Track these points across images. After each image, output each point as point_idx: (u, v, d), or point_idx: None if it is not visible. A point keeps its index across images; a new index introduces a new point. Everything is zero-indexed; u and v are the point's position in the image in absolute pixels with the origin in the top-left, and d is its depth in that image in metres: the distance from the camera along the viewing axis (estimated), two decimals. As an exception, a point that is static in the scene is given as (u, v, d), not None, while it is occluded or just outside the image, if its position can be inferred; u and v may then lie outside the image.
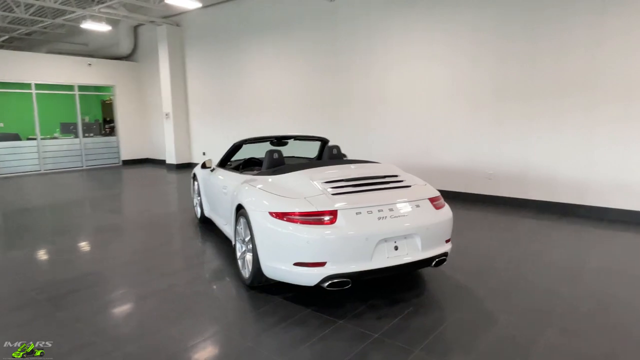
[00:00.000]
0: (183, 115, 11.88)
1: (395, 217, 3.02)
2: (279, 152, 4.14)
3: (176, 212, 6.41)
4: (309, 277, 2.91)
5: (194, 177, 5.74)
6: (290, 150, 5.42)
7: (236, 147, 4.75)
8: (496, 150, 6.44)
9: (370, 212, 2.98)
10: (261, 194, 3.32)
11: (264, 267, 3.17)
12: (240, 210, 3.56)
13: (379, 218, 2.97)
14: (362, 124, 8.02)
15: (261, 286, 3.40)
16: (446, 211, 3.31)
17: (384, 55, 7.55)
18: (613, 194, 5.54)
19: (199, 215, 5.63)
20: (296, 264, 2.94)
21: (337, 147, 4.60)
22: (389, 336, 2.69)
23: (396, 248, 3.00)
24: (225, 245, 4.57)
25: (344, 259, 2.88)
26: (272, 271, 3.13)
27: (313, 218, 2.91)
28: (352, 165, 3.78)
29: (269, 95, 9.70)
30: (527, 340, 2.61)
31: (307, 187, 3.21)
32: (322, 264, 2.88)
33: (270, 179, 3.55)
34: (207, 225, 5.49)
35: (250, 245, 3.46)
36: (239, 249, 3.73)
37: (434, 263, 3.16)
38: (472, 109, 6.62)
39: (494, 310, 3.01)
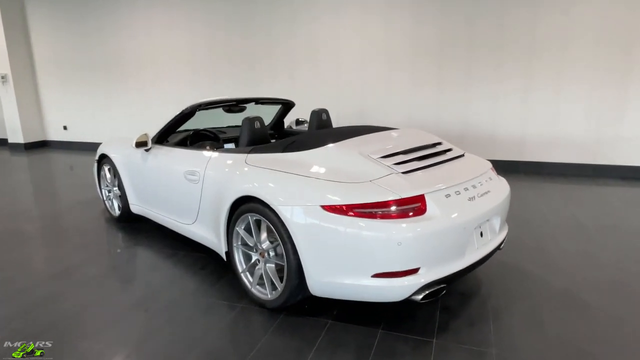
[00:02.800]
0: (28, 80, 9.04)
1: (481, 195, 2.38)
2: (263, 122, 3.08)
3: (70, 209, 4.67)
4: (398, 291, 2.10)
5: (102, 160, 4.15)
6: (224, 119, 4.26)
7: (186, 116, 3.44)
8: (435, 110, 6.28)
9: (458, 193, 2.29)
10: (299, 180, 2.31)
11: (315, 284, 2.23)
12: (245, 205, 2.49)
13: (469, 199, 2.30)
14: (285, 83, 7.05)
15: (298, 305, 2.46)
16: (504, 180, 2.81)
17: (312, 5, 6.63)
18: (546, 148, 5.91)
19: (116, 212, 4.13)
20: (377, 275, 2.10)
21: (326, 112, 3.70)
22: (508, 349, 2.11)
23: (481, 234, 2.39)
24: (191, 259, 3.34)
25: (438, 259, 2.15)
26: (330, 288, 2.23)
27: (397, 209, 2.08)
28: (394, 132, 2.96)
29: (165, 59, 7.89)
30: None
31: (365, 166, 2.32)
32: (415, 271, 2.10)
33: (294, 156, 2.53)
34: (135, 225, 4.06)
35: (272, 254, 2.46)
36: (241, 262, 2.67)
37: (501, 246, 2.65)
38: (403, 68, 6.27)
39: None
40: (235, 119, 4.44)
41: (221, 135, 4.01)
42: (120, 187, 3.92)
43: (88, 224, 4.17)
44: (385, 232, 2.03)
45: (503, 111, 5.98)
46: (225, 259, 2.80)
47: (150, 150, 3.51)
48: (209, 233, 2.97)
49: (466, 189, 2.33)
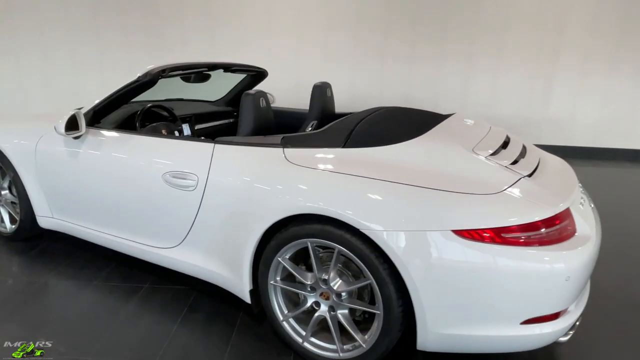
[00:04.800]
0: None
1: (582, 200, 1.96)
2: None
3: None
4: (547, 337, 1.56)
5: None
6: (168, 91, 3.18)
7: (142, 86, 2.30)
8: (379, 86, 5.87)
9: (582, 203, 1.83)
10: (406, 193, 1.56)
11: (429, 337, 1.56)
12: (298, 227, 1.67)
13: (582, 206, 1.85)
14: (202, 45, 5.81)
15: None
16: None
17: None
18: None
19: (7, 226, 2.75)
20: (528, 322, 1.53)
21: (330, 88, 2.89)
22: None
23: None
24: (167, 296, 2.29)
25: (582, 289, 1.68)
26: (452, 342, 1.58)
27: (549, 230, 1.52)
28: (455, 119, 2.30)
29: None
30: None
31: (484, 169, 1.69)
32: (566, 309, 1.60)
33: (367, 154, 1.75)
34: (44, 244, 2.75)
35: (344, 295, 1.72)
36: (280, 305, 1.85)
37: None
38: (345, 35, 5.69)
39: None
40: (182, 91, 3.36)
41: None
42: (19, 191, 2.57)
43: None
44: (550, 263, 1.47)
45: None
46: (248, 301, 1.92)
47: (84, 138, 2.29)
48: (209, 261, 2.02)
49: (582, 197, 1.90)
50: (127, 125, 2.61)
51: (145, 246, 2.23)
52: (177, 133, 2.79)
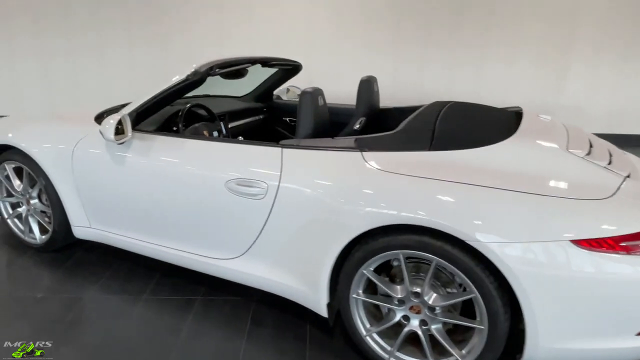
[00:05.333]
0: None
1: None
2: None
3: None
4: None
5: (9, 156, 2.49)
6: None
7: (190, 86, 2.13)
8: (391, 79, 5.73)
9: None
10: (515, 200, 1.45)
11: (540, 351, 1.47)
12: (388, 238, 1.56)
13: None
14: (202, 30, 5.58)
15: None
16: None
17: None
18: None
19: (37, 237, 2.57)
20: (644, 333, 1.45)
21: (376, 81, 2.75)
22: None
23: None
24: (225, 308, 2.17)
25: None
26: (563, 356, 1.50)
27: (666, 236, 1.44)
28: (545, 117, 2.18)
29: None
30: None
31: (588, 171, 1.59)
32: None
33: (458, 157, 1.63)
34: (79, 256, 2.59)
35: (437, 309, 1.62)
36: (362, 319, 1.74)
37: None
38: (354, 30, 5.51)
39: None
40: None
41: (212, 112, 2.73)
42: (52, 200, 2.38)
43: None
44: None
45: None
46: (324, 315, 1.80)
47: (129, 142, 2.11)
48: (277, 273, 1.90)
49: None
50: (166, 126, 2.44)
51: (201, 257, 2.08)
52: (215, 133, 2.64)
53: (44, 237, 2.56)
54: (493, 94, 5.71)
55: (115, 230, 2.31)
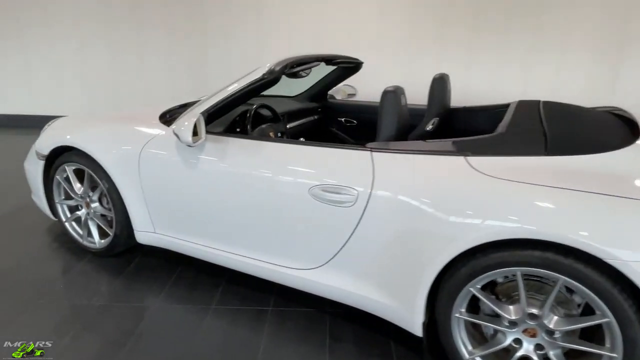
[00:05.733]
0: None
1: None
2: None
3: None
4: None
5: (57, 157, 2.42)
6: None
7: (265, 85, 2.02)
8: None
9: None
10: None
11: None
12: (507, 252, 1.40)
13: None
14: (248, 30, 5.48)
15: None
16: None
17: None
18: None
19: (97, 242, 2.49)
20: None
21: (449, 78, 2.59)
22: None
23: None
24: (301, 321, 2.05)
25: None
26: None
27: None
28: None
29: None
30: None
31: None
32: None
33: (586, 163, 1.46)
34: (139, 260, 2.51)
35: (557, 334, 1.45)
36: (463, 341, 1.58)
37: None
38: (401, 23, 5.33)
39: None
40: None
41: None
42: (115, 203, 2.29)
43: (43, 266, 2.45)
44: None
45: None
46: (419, 334, 1.65)
47: (202, 145, 2.00)
48: (362, 286, 1.76)
49: None
50: (231, 128, 2.33)
51: (276, 266, 1.96)
52: (278, 135, 2.52)
53: (103, 241, 2.49)
54: (541, 91, 5.46)
55: (181, 236, 2.21)
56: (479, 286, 1.51)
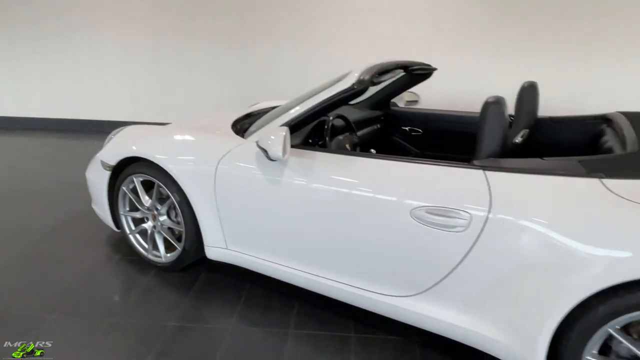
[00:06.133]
0: None
1: None
2: None
3: (52, 241, 2.70)
4: None
5: (124, 168, 2.34)
6: None
7: (352, 96, 1.89)
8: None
9: None
10: None
11: None
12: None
13: None
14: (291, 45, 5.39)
15: None
16: None
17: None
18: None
19: (162, 255, 2.40)
20: None
21: (537, 87, 2.41)
22: None
23: None
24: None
25: None
26: None
27: None
28: None
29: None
30: None
31: None
32: None
33: None
34: (201, 274, 2.40)
35: None
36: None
37: None
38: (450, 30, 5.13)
39: None
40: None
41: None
42: (186, 217, 2.19)
43: (107, 281, 2.37)
44: None
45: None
46: (536, 376, 1.48)
47: (285, 159, 1.87)
48: (466, 318, 1.60)
49: None
50: (305, 139, 2.21)
51: (364, 291, 1.82)
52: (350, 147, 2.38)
53: (169, 255, 2.39)
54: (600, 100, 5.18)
55: (256, 254, 2.09)
56: (618, 327, 1.34)
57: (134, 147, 2.31)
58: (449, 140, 2.96)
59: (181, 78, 5.69)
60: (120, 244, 2.72)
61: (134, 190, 2.41)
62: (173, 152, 2.19)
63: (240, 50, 5.47)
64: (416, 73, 2.80)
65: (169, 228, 2.38)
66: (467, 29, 5.03)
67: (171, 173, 2.14)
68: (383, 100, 3.12)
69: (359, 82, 1.85)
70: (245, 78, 5.57)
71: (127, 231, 2.52)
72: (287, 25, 5.32)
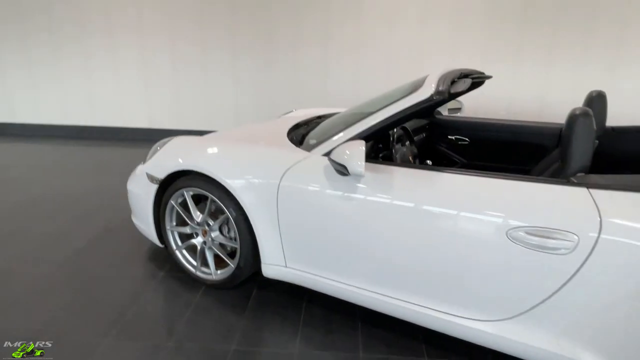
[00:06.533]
0: None
1: None
2: None
3: (90, 259, 2.59)
4: None
5: (187, 183, 2.23)
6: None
7: (433, 106, 1.81)
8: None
9: None
10: None
11: None
12: None
13: None
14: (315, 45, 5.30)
15: None
16: None
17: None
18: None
19: (213, 272, 2.29)
20: None
21: (605, 95, 2.32)
22: None
23: None
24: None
25: None
26: None
27: None
28: None
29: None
30: None
31: None
32: None
33: None
34: (252, 292, 2.29)
35: None
36: None
37: None
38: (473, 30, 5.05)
39: None
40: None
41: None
42: (242, 234, 2.09)
43: (157, 300, 2.25)
44: None
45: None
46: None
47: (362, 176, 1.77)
48: (567, 345, 1.50)
49: None
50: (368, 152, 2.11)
51: (441, 313, 1.72)
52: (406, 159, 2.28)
53: (220, 272, 2.29)
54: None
55: (318, 272, 1.99)
56: None
57: (186, 160, 2.20)
58: (498, 150, 2.87)
59: (200, 85, 5.59)
60: (162, 259, 2.61)
61: (183, 205, 2.30)
62: (231, 165, 2.08)
63: (259, 57, 5.39)
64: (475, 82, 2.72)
65: (220, 244, 2.27)
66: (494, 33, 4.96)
67: (229, 188, 2.03)
68: (429, 108, 3.02)
69: (438, 92, 1.75)
70: (263, 85, 5.49)
71: (174, 247, 2.41)
72: (312, 29, 5.24)
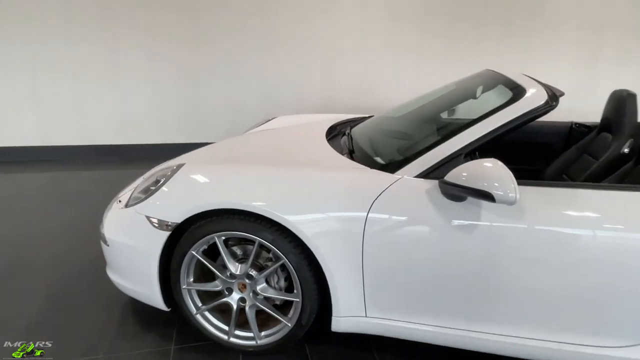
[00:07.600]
0: None
1: None
2: None
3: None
4: None
5: (219, 225, 1.65)
6: None
7: (540, 115, 1.58)
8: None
9: None
10: None
11: None
12: None
13: None
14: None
15: None
16: None
17: None
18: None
19: (258, 338, 1.77)
20: None
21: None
22: None
23: None
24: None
25: None
26: None
27: None
28: None
29: None
30: None
31: None
32: None
33: None
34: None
35: None
36: None
37: None
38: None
39: None
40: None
41: None
42: (304, 284, 1.62)
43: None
44: None
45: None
46: None
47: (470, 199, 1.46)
48: None
49: None
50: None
51: (572, 345, 1.52)
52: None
53: (264, 333, 1.78)
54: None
55: (412, 319, 1.63)
56: None
57: (222, 196, 1.64)
58: (504, 150, 2.82)
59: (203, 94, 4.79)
60: (165, 324, 1.97)
61: (208, 255, 1.73)
62: (290, 198, 1.60)
63: (258, 64, 4.81)
64: None
65: (265, 297, 1.77)
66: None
67: (292, 228, 1.56)
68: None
69: (552, 97, 1.55)
70: (264, 93, 4.92)
71: (193, 310, 1.81)
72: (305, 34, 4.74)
